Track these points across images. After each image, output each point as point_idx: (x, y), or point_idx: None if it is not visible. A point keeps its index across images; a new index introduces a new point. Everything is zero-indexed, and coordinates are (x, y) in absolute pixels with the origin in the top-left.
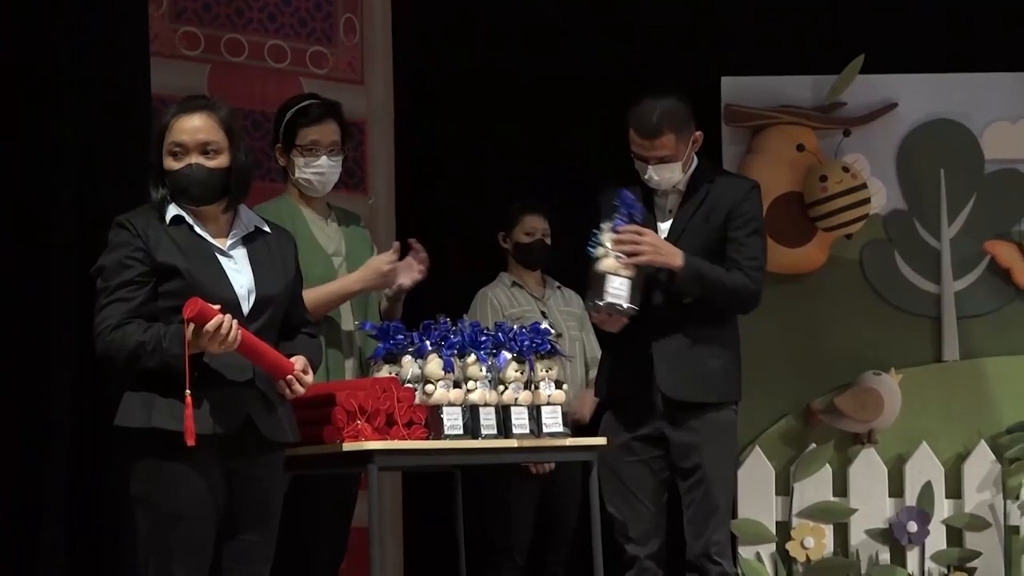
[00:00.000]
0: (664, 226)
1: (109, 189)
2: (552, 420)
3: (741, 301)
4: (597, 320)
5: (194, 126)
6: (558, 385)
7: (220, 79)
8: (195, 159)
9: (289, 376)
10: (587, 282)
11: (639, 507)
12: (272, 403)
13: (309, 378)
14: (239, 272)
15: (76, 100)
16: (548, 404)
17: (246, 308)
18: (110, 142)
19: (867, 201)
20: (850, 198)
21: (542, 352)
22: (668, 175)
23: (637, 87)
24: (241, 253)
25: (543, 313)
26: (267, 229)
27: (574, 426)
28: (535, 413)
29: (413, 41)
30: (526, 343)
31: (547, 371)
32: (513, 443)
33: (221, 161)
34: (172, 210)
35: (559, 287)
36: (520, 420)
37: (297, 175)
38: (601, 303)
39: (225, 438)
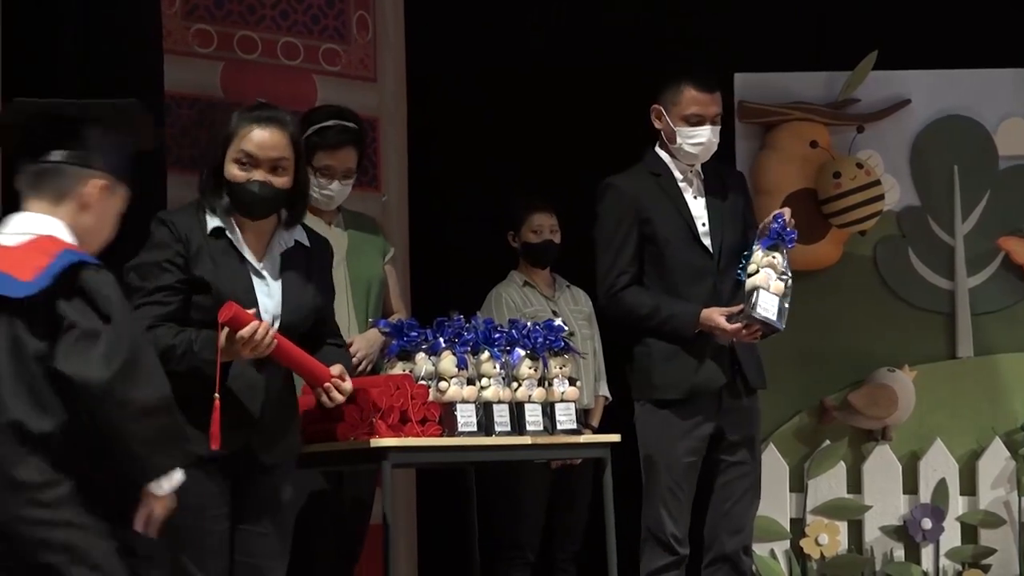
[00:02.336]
0: (698, 208)
1: None
2: (566, 417)
3: None
4: (733, 333)
5: (268, 141)
6: (572, 382)
7: (233, 76)
8: (263, 175)
9: (327, 384)
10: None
11: (686, 508)
12: (277, 433)
13: (348, 385)
14: (268, 297)
15: (87, 97)
16: (562, 401)
17: None
18: None
19: (881, 197)
20: (864, 195)
21: (556, 349)
22: (716, 140)
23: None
24: (275, 273)
25: (554, 312)
26: (307, 243)
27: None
28: (549, 410)
29: (426, 38)
30: (540, 340)
31: (561, 368)
32: (527, 440)
33: (287, 180)
34: (213, 221)
35: (568, 286)
36: (534, 417)
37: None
38: (754, 314)
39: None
